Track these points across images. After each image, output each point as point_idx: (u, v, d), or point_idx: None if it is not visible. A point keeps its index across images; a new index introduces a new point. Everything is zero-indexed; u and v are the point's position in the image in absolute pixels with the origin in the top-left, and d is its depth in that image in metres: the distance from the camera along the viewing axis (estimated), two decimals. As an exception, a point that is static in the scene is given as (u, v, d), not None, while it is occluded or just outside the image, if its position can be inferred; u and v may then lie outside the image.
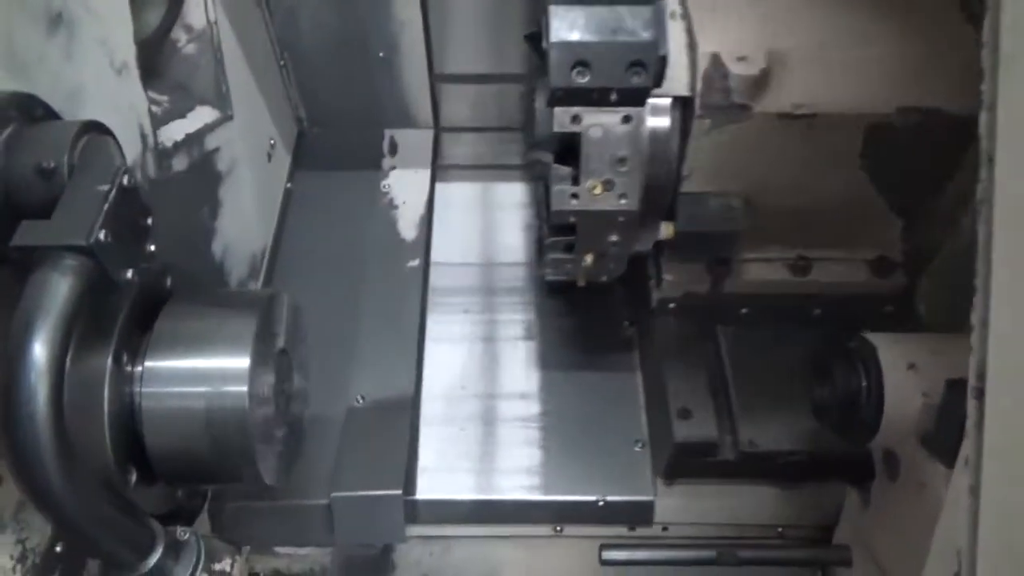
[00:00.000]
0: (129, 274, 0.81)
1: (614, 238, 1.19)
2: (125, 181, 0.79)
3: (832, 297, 1.35)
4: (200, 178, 1.38)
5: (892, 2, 1.11)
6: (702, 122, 1.11)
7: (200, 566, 0.93)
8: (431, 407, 1.59)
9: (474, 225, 1.89)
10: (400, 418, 1.52)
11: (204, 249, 1.40)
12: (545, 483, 1.48)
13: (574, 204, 1.13)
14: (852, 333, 1.10)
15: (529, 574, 1.59)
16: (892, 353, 1.00)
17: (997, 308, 0.58)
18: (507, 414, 1.57)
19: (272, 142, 1.75)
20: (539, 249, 1.56)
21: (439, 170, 1.95)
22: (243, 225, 1.56)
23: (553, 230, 1.22)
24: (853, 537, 1.19)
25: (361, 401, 1.54)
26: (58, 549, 0.90)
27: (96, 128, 0.84)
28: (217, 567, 0.97)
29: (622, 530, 1.48)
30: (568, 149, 1.12)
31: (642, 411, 1.53)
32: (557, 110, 1.07)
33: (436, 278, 1.79)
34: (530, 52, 1.22)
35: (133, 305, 0.97)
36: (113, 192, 0.77)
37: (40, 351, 0.70)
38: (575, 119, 1.07)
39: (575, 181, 1.12)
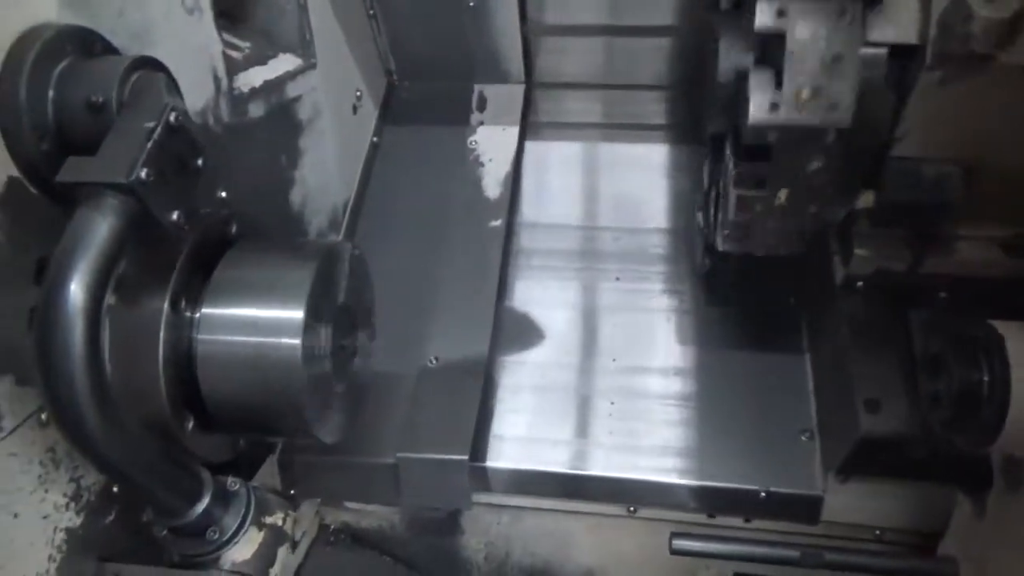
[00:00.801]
0: (176, 215, 0.78)
1: (817, 165, 1.02)
2: (172, 119, 0.76)
3: None
4: (279, 126, 1.36)
5: None
6: (929, 75, 0.95)
7: (250, 517, 0.92)
8: (508, 373, 1.54)
9: (570, 186, 1.80)
10: (473, 382, 1.47)
11: (282, 198, 1.39)
12: (696, 466, 1.38)
13: (773, 117, 0.96)
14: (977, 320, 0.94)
15: (598, 553, 1.53)
16: (1023, 344, 0.85)
17: None
18: (599, 386, 1.49)
19: (358, 94, 1.72)
20: (703, 226, 1.41)
21: (531, 127, 1.87)
22: (324, 177, 1.54)
23: (744, 157, 1.06)
24: (961, 550, 1.04)
25: (434, 362, 1.50)
26: (115, 489, 0.90)
27: (149, 64, 0.81)
28: (268, 520, 0.95)
29: (700, 517, 1.39)
30: (768, 56, 0.97)
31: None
32: (760, 4, 0.92)
33: (527, 239, 1.72)
34: None
35: (193, 250, 0.96)
36: (159, 130, 0.74)
37: (76, 290, 0.68)
38: (781, 13, 0.92)
39: (777, 86, 0.95)
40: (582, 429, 1.46)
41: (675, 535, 1.12)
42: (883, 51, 0.94)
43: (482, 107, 1.87)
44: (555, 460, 1.42)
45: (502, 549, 1.57)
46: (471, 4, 1.72)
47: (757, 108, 0.96)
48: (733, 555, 1.09)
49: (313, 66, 1.45)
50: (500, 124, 1.85)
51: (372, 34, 1.78)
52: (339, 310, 1.03)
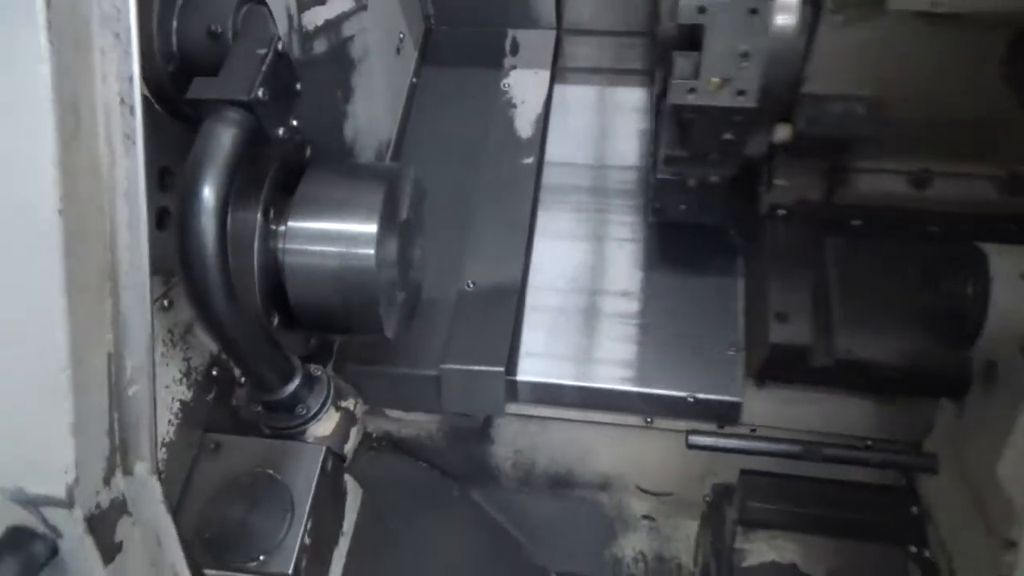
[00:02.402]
0: (281, 131, 0.91)
1: (728, 136, 1.19)
2: (280, 47, 0.88)
3: (953, 214, 1.31)
4: (336, 63, 1.47)
5: None
6: (833, 18, 1.09)
7: (330, 399, 1.07)
8: (536, 297, 1.67)
9: (589, 128, 1.91)
10: (506, 304, 1.61)
11: (337, 130, 1.51)
12: (639, 376, 1.54)
13: (691, 99, 1.13)
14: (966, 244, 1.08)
15: (619, 459, 1.69)
16: (1003, 261, 0.99)
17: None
18: (608, 309, 1.63)
19: (401, 36, 1.82)
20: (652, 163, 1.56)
21: (559, 71, 1.97)
22: (372, 113, 1.66)
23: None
24: (943, 446, 1.19)
25: (471, 286, 1.64)
26: (215, 372, 1.05)
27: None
28: (343, 404, 1.10)
29: (711, 426, 1.54)
30: (691, 43, 1.12)
31: (740, 316, 1.55)
32: (683, 1, 1.07)
33: (549, 176, 1.84)
34: None
35: (279, 168, 1.09)
36: (270, 55, 0.86)
37: (208, 192, 0.81)
38: (701, 10, 1.07)
39: (695, 75, 1.12)
40: (566, 346, 1.60)
41: (691, 432, 1.28)
42: None
43: (515, 51, 1.97)
44: (555, 372, 1.58)
45: (528, 457, 1.73)
46: (510, -50, 1.82)
47: (676, 92, 1.12)
48: (743, 449, 1.24)
49: (364, 7, 1.55)
50: (532, 68, 1.95)
51: (416, -26, 1.88)
52: (401, 225, 1.16)
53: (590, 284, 1.68)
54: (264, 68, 0.85)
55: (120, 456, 0.68)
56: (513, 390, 1.58)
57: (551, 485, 1.75)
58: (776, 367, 1.37)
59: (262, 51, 0.86)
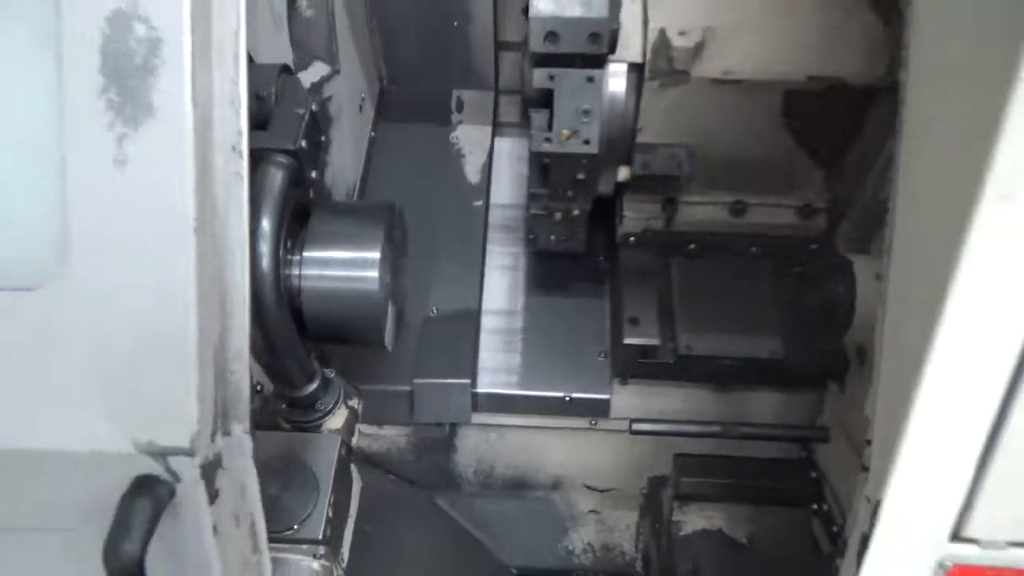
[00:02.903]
0: (314, 173, 1.14)
1: (580, 176, 1.48)
2: (313, 107, 1.12)
3: (765, 236, 1.64)
4: (321, 119, 1.70)
5: None
6: (651, 84, 1.39)
7: (341, 398, 1.27)
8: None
9: (522, 174, 2.20)
10: (467, 327, 1.85)
11: (320, 177, 1.73)
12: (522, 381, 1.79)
13: (547, 147, 1.41)
14: (832, 255, 1.40)
15: (567, 460, 1.92)
16: (863, 266, 1.31)
17: (898, 246, 0.87)
18: (493, 326, 1.88)
19: (363, 96, 2.07)
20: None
21: (498, 126, 2.26)
22: (343, 162, 1.89)
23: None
24: (832, 420, 1.50)
25: (435, 312, 1.87)
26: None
27: (287, 70, 1.16)
28: (350, 403, 1.30)
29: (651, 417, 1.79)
30: (545, 102, 1.42)
31: (607, 329, 1.82)
32: (537, 70, 1.36)
33: (495, 216, 2.10)
34: (524, 23, 1.51)
35: (294, 207, 1.30)
36: (307, 114, 1.09)
37: (266, 221, 1.03)
38: (551, 77, 1.36)
39: (550, 128, 1.41)
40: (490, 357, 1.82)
41: (634, 421, 1.54)
42: (624, 67, 1.41)
43: (460, 108, 2.24)
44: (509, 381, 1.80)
45: (488, 464, 1.95)
46: (455, 24, 2.10)
47: (535, 141, 1.41)
48: (675, 432, 1.52)
49: (338, 71, 1.79)
50: (476, 123, 2.23)
51: (371, 46, 2.13)
52: (394, 253, 1.39)
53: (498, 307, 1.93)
54: (304, 123, 1.08)
55: (222, 420, 0.88)
56: (475, 401, 1.81)
57: (508, 488, 1.96)
58: (632, 365, 1.62)
59: (300, 111, 1.09)
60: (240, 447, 0.89)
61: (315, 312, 1.28)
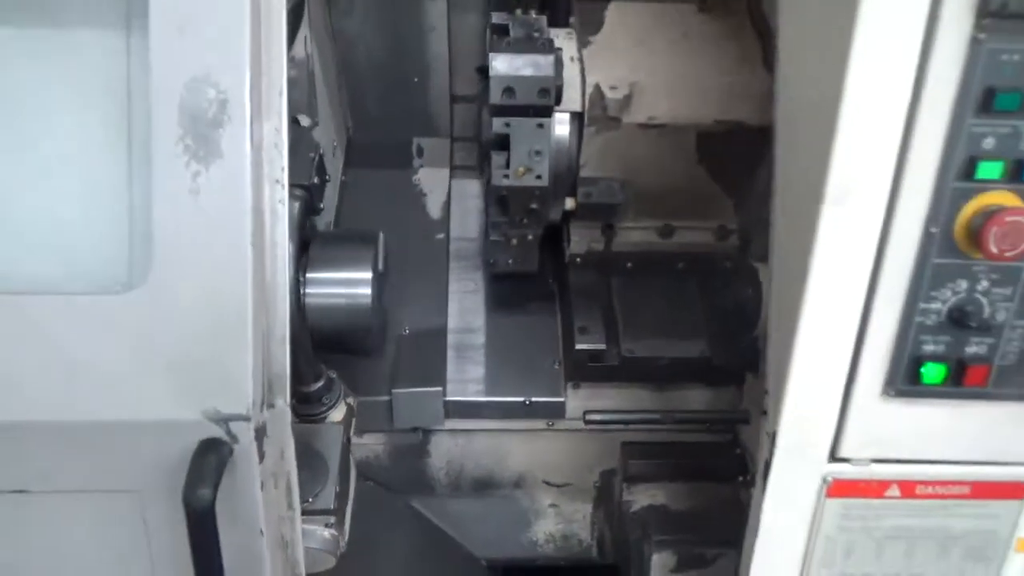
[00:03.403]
0: (320, 205, 1.38)
1: (534, 206, 1.77)
2: (320, 153, 1.37)
3: (690, 254, 1.86)
4: (307, 166, 1.96)
5: (713, 42, 1.65)
6: (589, 129, 1.62)
7: (341, 395, 1.50)
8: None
9: (479, 210, 2.48)
10: (436, 344, 2.09)
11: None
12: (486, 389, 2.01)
13: (505, 181, 1.64)
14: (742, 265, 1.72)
15: (528, 459, 2.15)
16: (766, 271, 1.61)
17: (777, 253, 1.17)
18: (467, 342, 2.11)
19: (335, 144, 2.33)
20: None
21: (454, 169, 2.54)
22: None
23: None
24: (750, 403, 1.80)
25: (407, 331, 2.11)
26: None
27: (295, 121, 1.42)
28: (348, 400, 1.53)
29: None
30: (503, 145, 1.61)
31: (560, 340, 2.00)
32: (495, 119, 1.58)
33: (455, 247, 2.37)
34: (479, 80, 1.81)
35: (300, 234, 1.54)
36: (317, 157, 1.35)
37: (288, 245, 1.26)
38: (507, 124, 1.60)
39: (507, 166, 1.62)
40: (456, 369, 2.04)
41: (587, 412, 1.81)
42: (567, 115, 1.64)
43: (420, 154, 2.52)
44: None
45: (458, 465, 2.17)
46: (415, 80, 2.39)
47: (496, 177, 1.60)
48: (623, 420, 1.79)
49: (317, 124, 2.05)
50: (435, 167, 2.51)
51: (340, 100, 2.40)
52: (379, 275, 1.64)
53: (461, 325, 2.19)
54: (315, 164, 1.33)
55: (268, 394, 1.11)
56: (446, 408, 2.04)
57: (476, 488, 2.18)
58: (583, 368, 1.83)
59: (312, 154, 1.34)
60: (282, 417, 1.12)
61: (317, 324, 1.51)
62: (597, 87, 1.66)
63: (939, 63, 0.92)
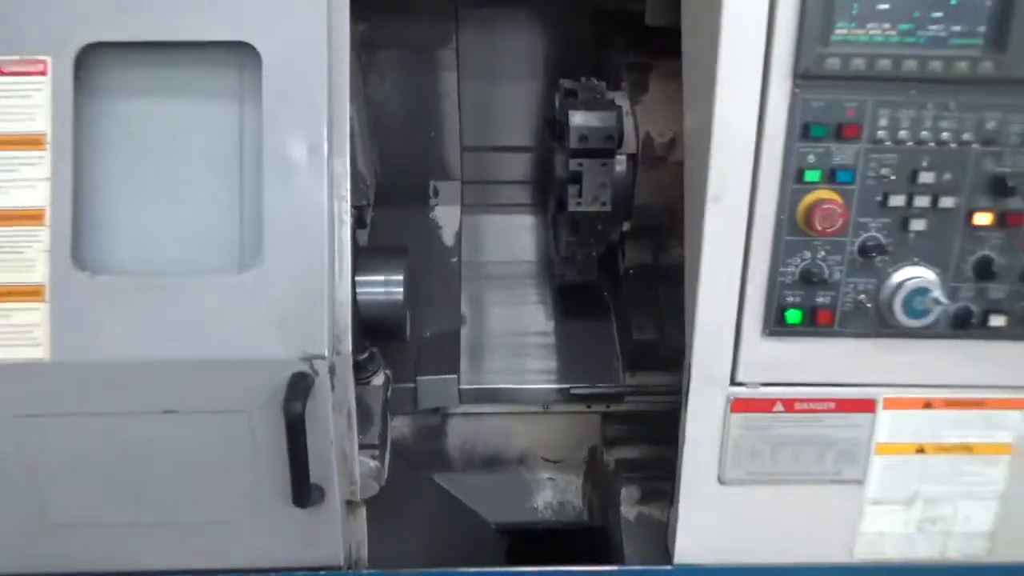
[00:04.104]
0: (368, 221, 1.89)
1: (599, 227, 2.04)
2: (368, 183, 1.88)
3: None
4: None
5: None
6: (642, 166, 1.91)
7: (381, 365, 1.98)
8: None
9: (484, 239, 2.97)
10: (452, 344, 2.56)
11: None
12: (560, 379, 2.27)
13: (579, 208, 1.97)
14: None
15: (529, 440, 2.40)
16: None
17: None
18: (532, 343, 2.42)
19: (369, 184, 2.86)
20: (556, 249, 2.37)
21: (465, 207, 3.06)
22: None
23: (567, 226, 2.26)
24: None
25: (428, 335, 2.59)
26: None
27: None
28: (386, 371, 2.01)
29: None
30: (576, 180, 1.95)
31: (616, 342, 2.29)
32: (572, 160, 1.90)
33: (466, 269, 2.87)
34: (545, 131, 2.28)
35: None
36: (364, 187, 1.86)
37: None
38: (580, 164, 1.94)
39: (580, 196, 1.97)
40: (489, 364, 2.36)
41: (571, 387, 2.26)
42: (624, 156, 1.94)
43: (436, 195, 3.04)
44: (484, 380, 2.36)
45: (470, 444, 2.49)
46: (432, 134, 2.94)
47: (571, 205, 1.91)
48: (604, 395, 2.24)
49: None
50: (448, 205, 3.03)
51: (371, 149, 2.94)
52: (408, 276, 2.12)
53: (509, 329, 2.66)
54: (363, 192, 1.84)
55: (336, 342, 1.60)
56: (460, 394, 2.46)
57: (486, 464, 2.37)
58: (640, 357, 2.14)
59: (361, 184, 1.86)
60: (345, 361, 1.61)
61: (363, 314, 1.99)
62: (648, 134, 1.95)
63: (773, 107, 1.41)
